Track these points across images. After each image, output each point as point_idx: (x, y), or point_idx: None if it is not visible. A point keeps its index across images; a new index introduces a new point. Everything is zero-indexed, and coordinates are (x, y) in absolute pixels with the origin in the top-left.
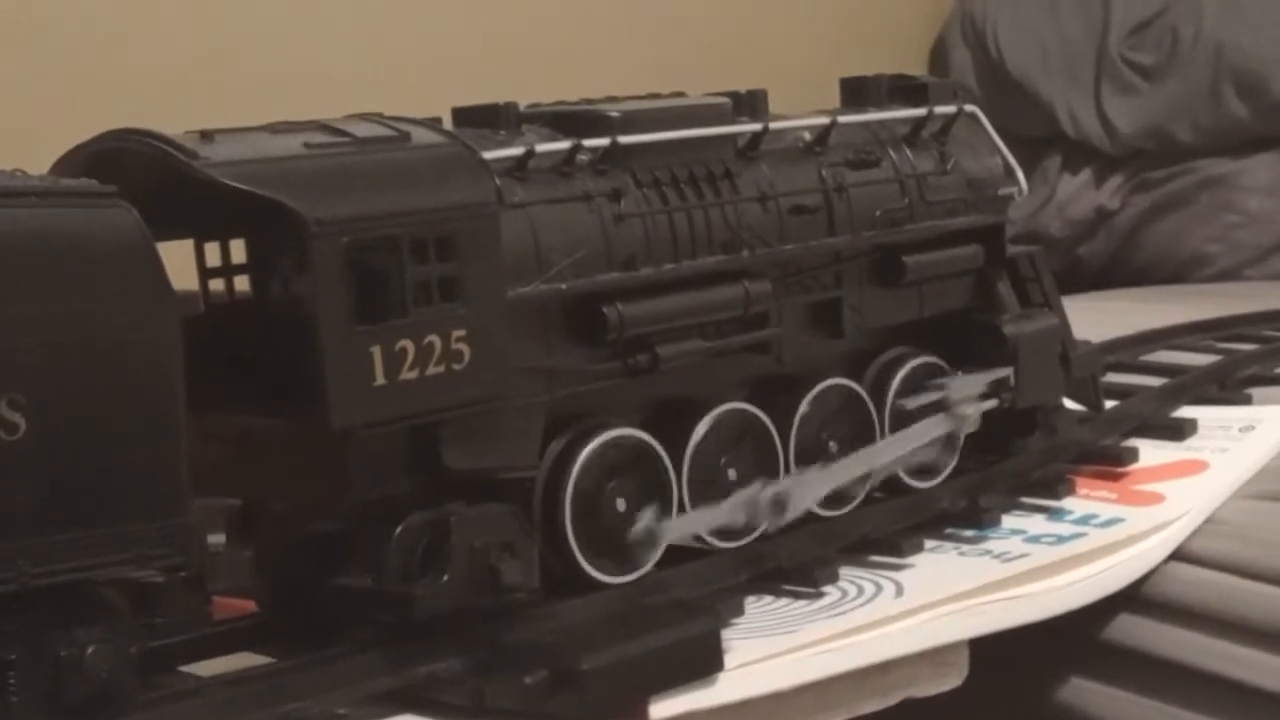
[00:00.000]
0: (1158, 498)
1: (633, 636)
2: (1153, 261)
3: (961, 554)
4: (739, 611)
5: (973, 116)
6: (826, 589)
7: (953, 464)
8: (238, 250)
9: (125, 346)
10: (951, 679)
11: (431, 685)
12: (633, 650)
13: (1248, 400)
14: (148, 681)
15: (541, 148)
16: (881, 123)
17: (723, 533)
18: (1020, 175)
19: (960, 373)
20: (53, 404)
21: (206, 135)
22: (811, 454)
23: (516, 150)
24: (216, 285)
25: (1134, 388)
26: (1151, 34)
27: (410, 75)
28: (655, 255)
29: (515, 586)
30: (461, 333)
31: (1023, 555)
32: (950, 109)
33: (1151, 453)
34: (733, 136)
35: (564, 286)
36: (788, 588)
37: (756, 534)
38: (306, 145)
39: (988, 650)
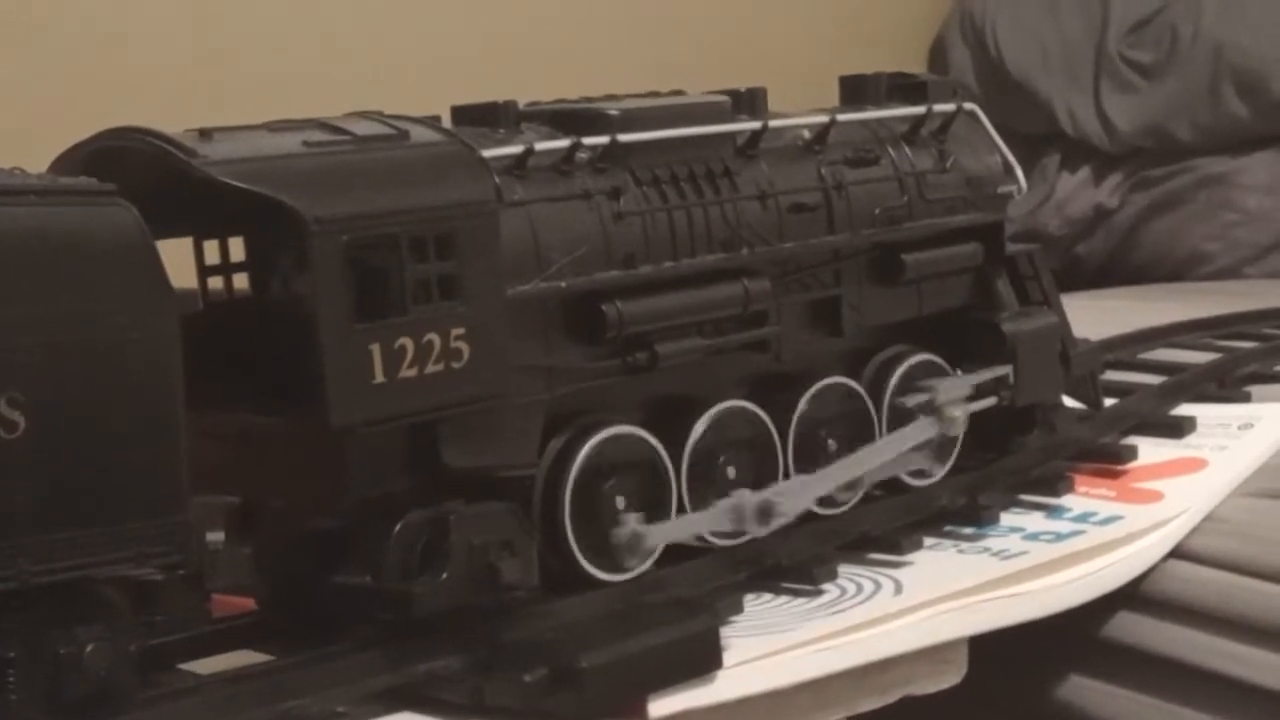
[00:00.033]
0: (1157, 495)
1: (632, 634)
2: (1152, 260)
3: (960, 552)
4: (738, 609)
5: (972, 114)
6: (825, 587)
7: (948, 465)
8: (237, 248)
9: (124, 345)
10: (950, 677)
11: (431, 683)
12: (632, 648)
13: (1247, 398)
14: (147, 679)
15: (541, 146)
16: (880, 121)
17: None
18: (1019, 173)
19: (959, 371)
20: (52, 402)
21: (205, 133)
22: (810, 452)
23: (516, 148)
24: (215, 283)
25: (1133, 386)
26: (1151, 32)
27: (410, 75)
28: (654, 253)
29: (514, 584)
30: (461, 331)
31: (1022, 553)
32: (949, 107)
33: (1150, 450)
34: (732, 135)
35: (563, 285)
36: (787, 586)
37: (765, 534)
38: (306, 143)
39: (987, 648)
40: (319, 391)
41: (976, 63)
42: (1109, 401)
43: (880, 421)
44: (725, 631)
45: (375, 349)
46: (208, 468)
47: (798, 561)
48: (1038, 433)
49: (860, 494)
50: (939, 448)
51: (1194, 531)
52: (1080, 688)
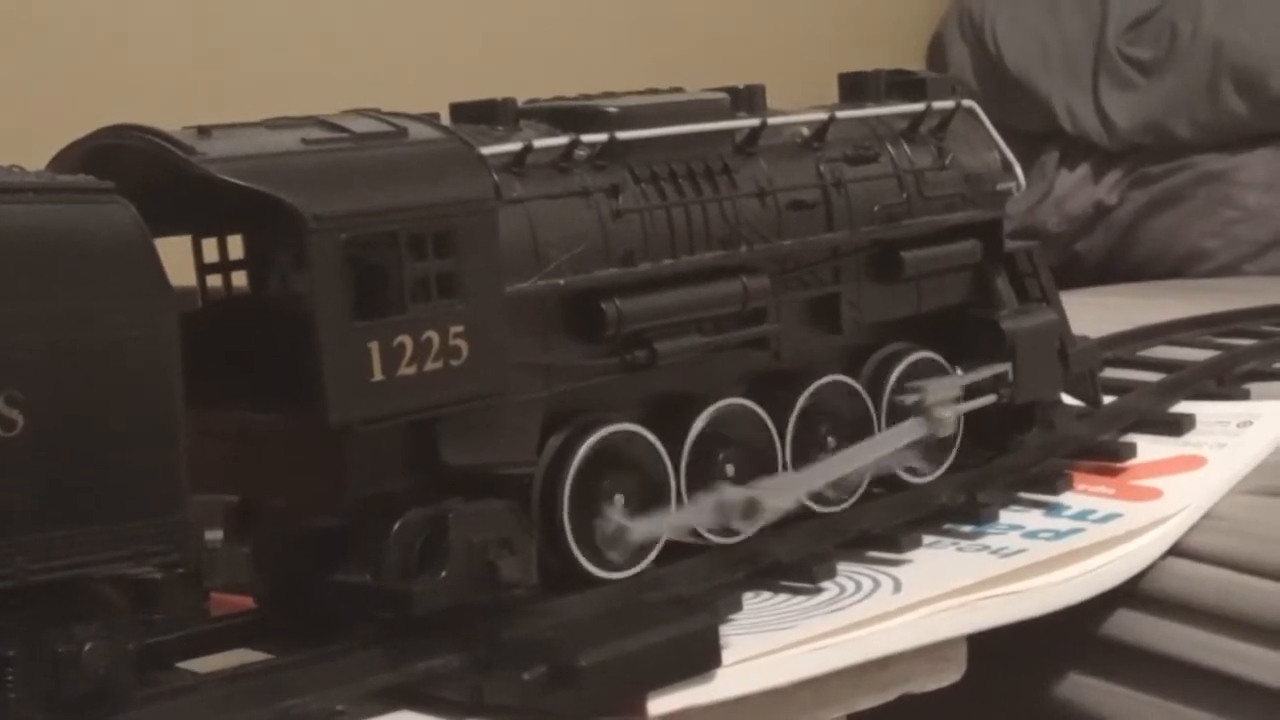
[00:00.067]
0: (1156, 493)
1: (631, 633)
2: (1151, 257)
3: (959, 549)
4: (737, 608)
5: (971, 112)
6: (824, 585)
7: (945, 464)
8: (235, 246)
9: (123, 343)
10: (950, 674)
11: (430, 681)
12: (631, 646)
13: (1246, 395)
14: (145, 678)
15: (539, 143)
16: (879, 118)
17: (721, 529)
18: (1018, 170)
19: (958, 368)
20: (50, 400)
21: (204, 131)
22: (809, 449)
23: (514, 146)
24: (214, 281)
25: (1132, 383)
26: (1150, 29)
27: (409, 75)
28: (653, 251)
29: (513, 583)
30: (459, 329)
31: (1020, 551)
32: (948, 104)
33: (1149, 448)
34: (731, 132)
35: (562, 282)
36: (786, 584)
37: (753, 532)
38: (304, 141)
39: (986, 646)
40: (318, 389)
41: (975, 60)
42: (1108, 399)
43: (879, 419)
44: (724, 630)
45: (374, 347)
46: (206, 466)
47: (797, 559)
48: (1037, 430)
49: (858, 495)
50: (932, 447)
51: (1193, 529)
52: (1079, 685)
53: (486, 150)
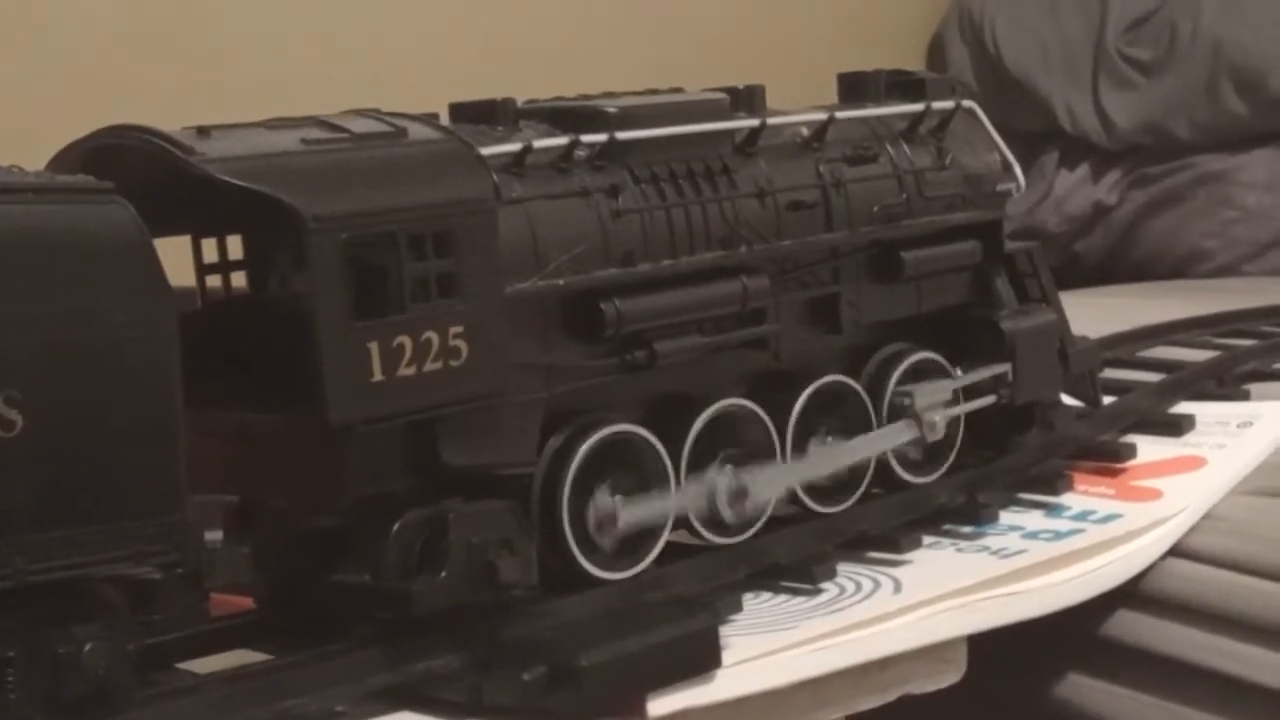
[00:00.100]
0: (1156, 494)
1: (631, 633)
2: (1151, 257)
3: (959, 550)
4: (737, 608)
5: (970, 112)
6: (824, 585)
7: (945, 465)
8: (235, 246)
9: (122, 343)
10: (950, 675)
11: (429, 682)
12: (631, 647)
13: (1246, 396)
14: (145, 678)
15: (539, 143)
16: (879, 118)
17: (720, 528)
18: (1018, 171)
19: (959, 369)
20: (49, 401)
21: (203, 131)
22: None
23: (514, 146)
24: (214, 281)
25: (1132, 383)
26: (1149, 29)
27: (409, 75)
28: (653, 251)
29: (513, 583)
30: (459, 329)
31: (1020, 551)
32: (948, 104)
33: (1149, 448)
34: (730, 132)
35: (562, 283)
36: (786, 584)
37: (753, 531)
38: (304, 141)
39: (986, 647)
40: (317, 389)
41: (975, 60)
42: (1108, 399)
43: (879, 419)
44: (724, 630)
45: (373, 347)
46: (206, 466)
47: (797, 560)
48: (1036, 431)
49: (857, 495)
50: (932, 448)
51: (1193, 530)
52: (1079, 686)
53: (486, 150)
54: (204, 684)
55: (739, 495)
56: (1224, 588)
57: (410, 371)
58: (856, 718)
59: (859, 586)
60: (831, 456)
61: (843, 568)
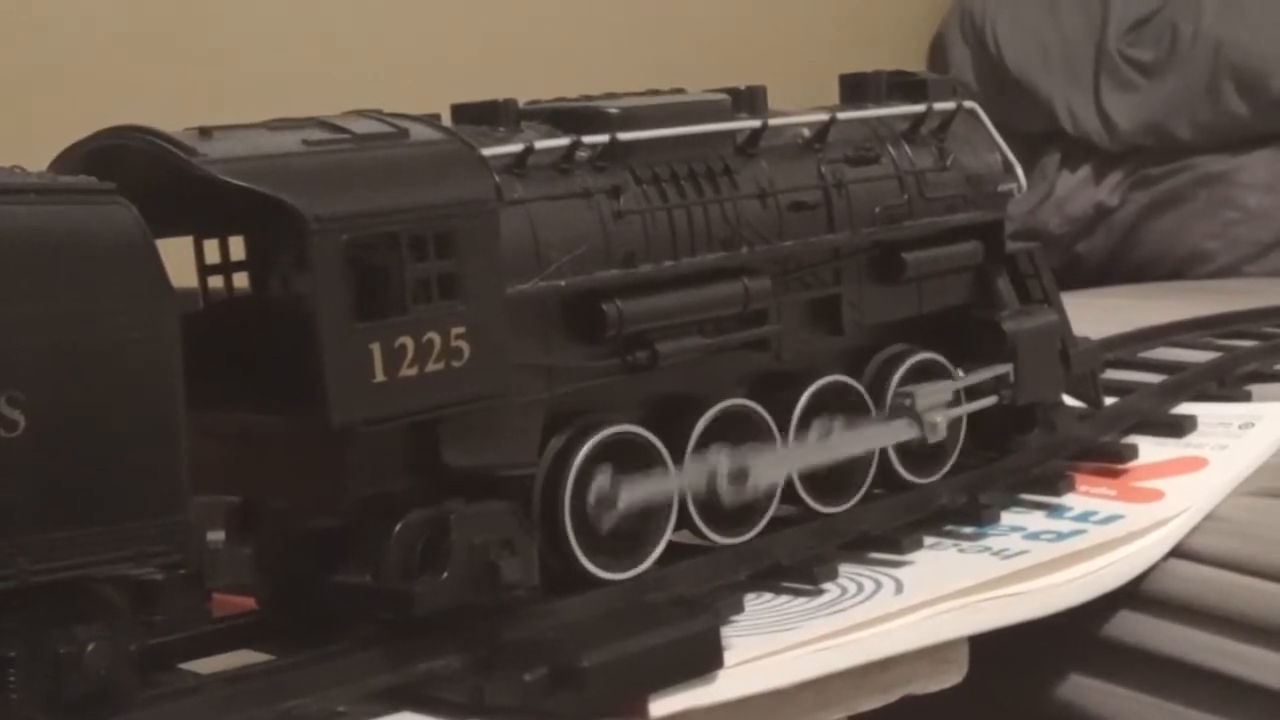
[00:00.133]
0: (1157, 494)
1: (632, 634)
2: (1152, 258)
3: (961, 551)
4: (739, 609)
5: (972, 113)
6: (826, 586)
7: (948, 464)
8: (237, 247)
9: (124, 344)
10: (951, 676)
11: (431, 682)
12: (632, 647)
13: (1247, 397)
14: (147, 679)
15: (541, 144)
16: (881, 119)
17: (722, 527)
18: (1019, 171)
19: (960, 369)
20: (52, 401)
21: (205, 132)
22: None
23: (516, 147)
24: (216, 282)
25: (1133, 384)
26: (1151, 30)
27: (410, 75)
28: (654, 252)
29: (515, 584)
30: (461, 330)
31: (1022, 552)
32: (949, 105)
33: (1151, 449)
34: (732, 133)
35: (563, 283)
36: (787, 585)
37: (755, 532)
38: (305, 142)
39: (987, 647)
40: (319, 390)
41: (976, 61)
42: (1109, 400)
43: None
44: (726, 631)
45: (375, 348)
46: (208, 467)
47: (798, 561)
48: (1038, 432)
49: (859, 495)
50: (933, 449)
51: (1195, 530)
52: (1081, 687)
53: (488, 151)
54: (206, 684)
55: (740, 476)
56: (1225, 588)
57: (412, 372)
58: (858, 718)
59: (860, 587)
60: (832, 446)
61: (844, 568)
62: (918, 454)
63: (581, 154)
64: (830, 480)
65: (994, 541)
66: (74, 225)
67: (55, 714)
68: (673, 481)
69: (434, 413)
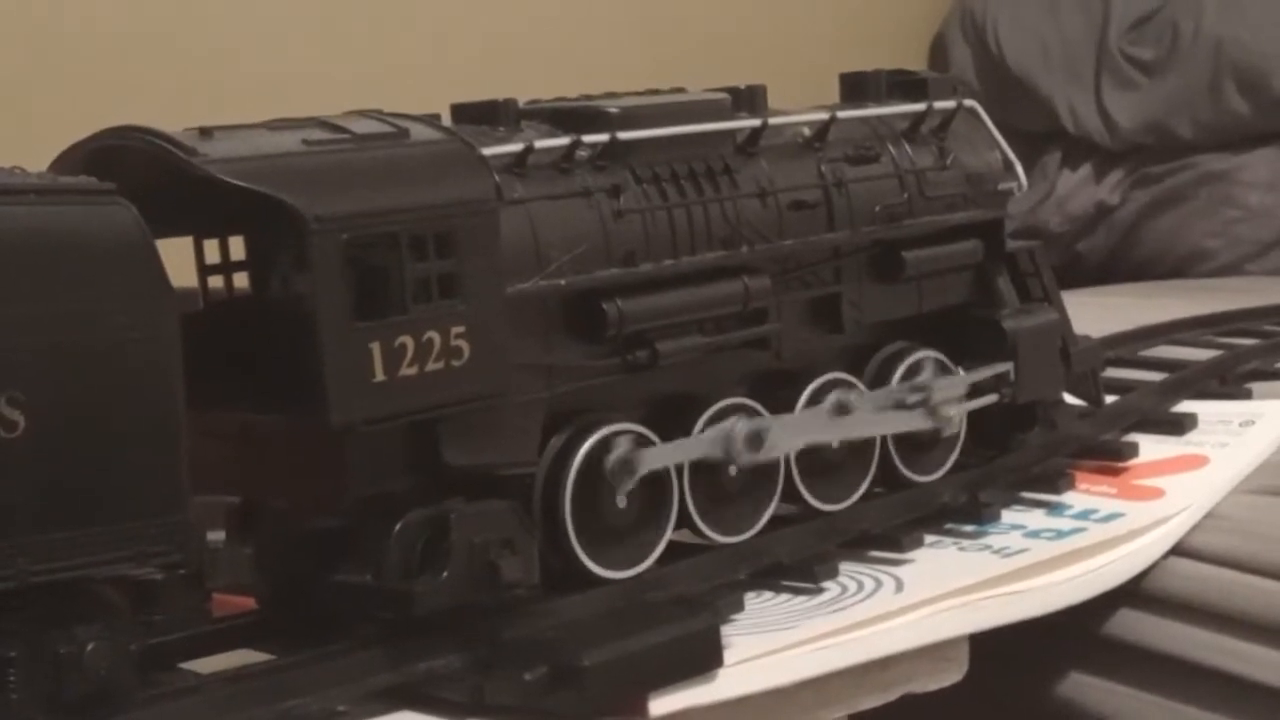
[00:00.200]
0: (1158, 493)
1: (633, 632)
2: (1153, 256)
3: (961, 549)
4: (739, 608)
5: (972, 111)
6: (826, 585)
7: (949, 462)
8: (237, 247)
9: (124, 344)
10: (951, 674)
11: (431, 682)
12: (633, 646)
13: (1248, 395)
14: (147, 679)
15: (541, 144)
16: (881, 118)
17: (723, 527)
18: (1020, 170)
19: (961, 368)
20: (52, 402)
21: (205, 132)
22: (811, 448)
23: (515, 146)
24: (216, 282)
25: (1134, 383)
26: (1151, 29)
27: (410, 75)
28: (654, 251)
29: (515, 583)
30: (461, 329)
31: (1022, 550)
32: (949, 104)
33: (1152, 448)
34: (732, 132)
35: (563, 283)
36: (787, 584)
37: (755, 530)
38: (305, 142)
39: (988, 646)
40: (319, 390)
41: (977, 60)
42: (1110, 398)
43: None
44: (726, 629)
45: (375, 347)
46: (208, 467)
47: (798, 559)
48: (1039, 430)
49: (859, 494)
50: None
51: (1195, 528)
52: (1081, 685)
53: (488, 151)
54: (206, 684)
55: (755, 440)
56: (1226, 586)
57: (412, 372)
58: (858, 717)
59: (861, 585)
60: (847, 424)
61: (844, 567)
62: (918, 452)
63: (581, 153)
64: (830, 478)
65: (994, 540)
66: (74, 225)
67: (55, 714)
68: (691, 448)
69: (434, 412)
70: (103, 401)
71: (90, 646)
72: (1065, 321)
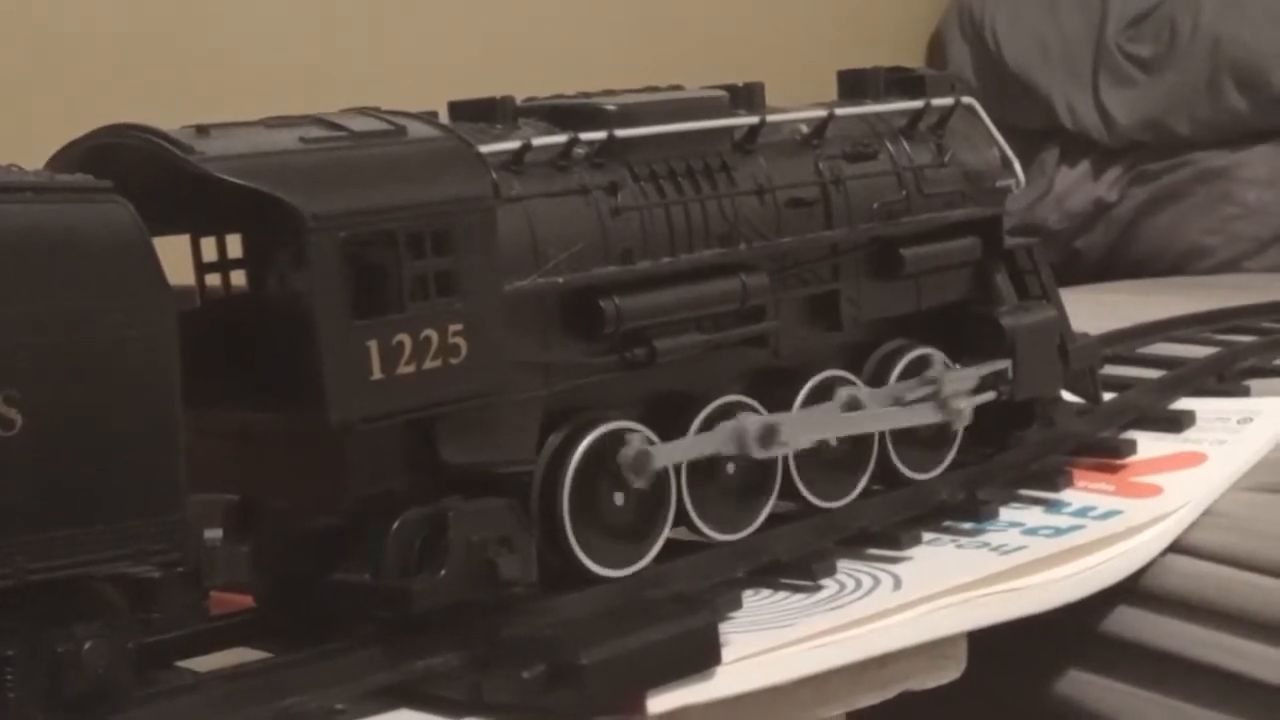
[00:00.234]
0: (1156, 490)
1: (631, 631)
2: (1151, 254)
3: (959, 547)
4: (737, 605)
5: (970, 109)
6: (824, 582)
7: (947, 460)
8: (234, 245)
9: (122, 342)
10: (950, 672)
11: (429, 680)
12: (631, 644)
13: (1246, 392)
14: (145, 677)
15: (538, 141)
16: (879, 115)
17: (722, 525)
18: (1018, 167)
19: (958, 365)
20: (49, 400)
21: (202, 130)
22: (810, 447)
23: (513, 144)
24: (213, 280)
25: (1132, 380)
26: (1150, 26)
27: (409, 75)
28: (652, 249)
29: (513, 581)
30: (458, 327)
31: (1021, 548)
32: (947, 101)
33: (1150, 445)
34: (730, 129)
35: (561, 280)
36: (785, 581)
37: (753, 528)
38: (302, 140)
39: (986, 643)
40: (317, 388)
41: (975, 57)
42: (1108, 396)
43: None
44: (724, 627)
45: (373, 345)
46: (206, 465)
47: (797, 557)
48: (1037, 427)
49: (857, 491)
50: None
51: (1193, 526)
52: (1079, 682)
53: (485, 148)
54: (204, 682)
55: (769, 435)
56: (1224, 583)
57: (409, 370)
58: (857, 714)
59: (859, 583)
60: (859, 419)
61: (843, 564)
62: (916, 450)
63: (579, 151)
64: (829, 476)
65: (992, 537)
66: (71, 223)
67: (53, 712)
68: (704, 444)
69: (432, 410)
70: (100, 399)
71: (88, 645)
72: (1063, 319)
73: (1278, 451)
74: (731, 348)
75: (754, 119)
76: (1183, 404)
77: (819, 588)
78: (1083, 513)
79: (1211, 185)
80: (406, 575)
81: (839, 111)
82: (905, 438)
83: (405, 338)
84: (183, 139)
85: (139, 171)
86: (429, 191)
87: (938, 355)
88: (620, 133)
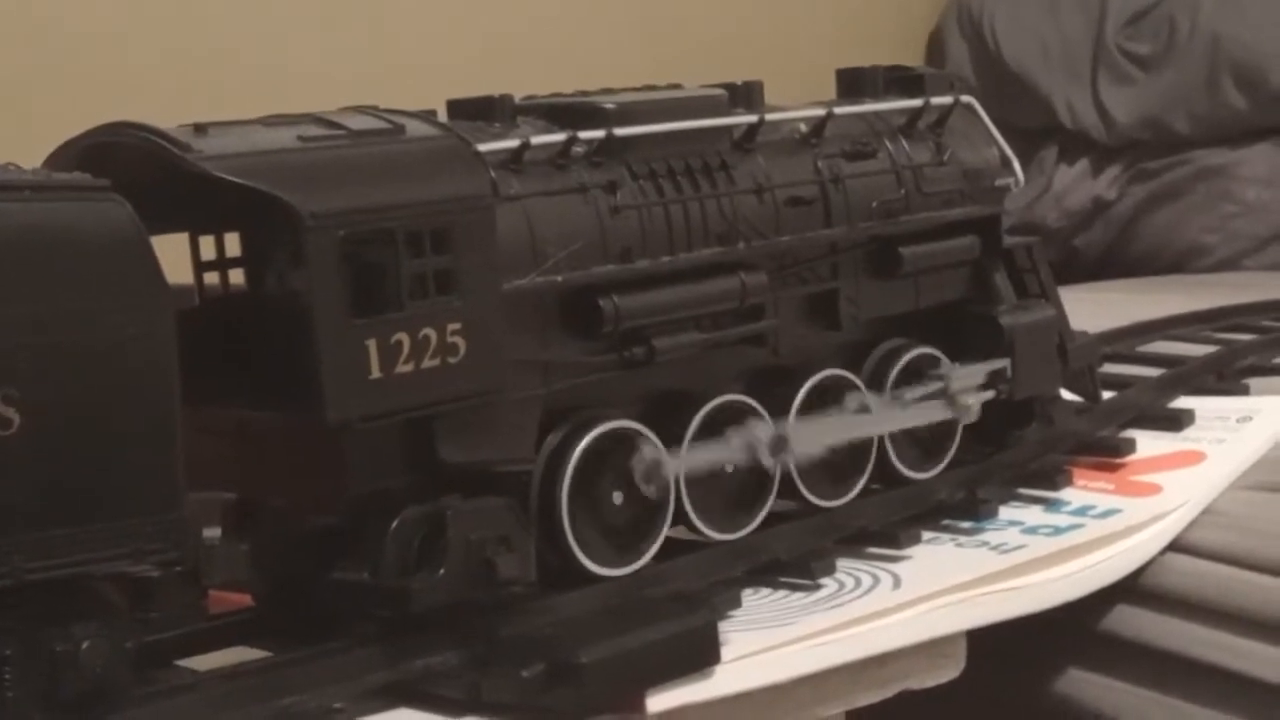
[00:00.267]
0: (1155, 488)
1: (630, 629)
2: (1150, 252)
3: (959, 545)
4: (736, 604)
5: (969, 107)
6: (824, 581)
7: (946, 459)
8: (232, 244)
9: (120, 341)
10: (949, 671)
11: (428, 679)
12: (630, 643)
13: (1245, 391)
14: (143, 676)
15: (537, 140)
16: (878, 114)
17: (721, 524)
18: (1017, 166)
19: (959, 364)
20: (47, 399)
21: (200, 128)
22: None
23: (512, 142)
24: (211, 279)
25: (1131, 378)
26: (1149, 24)
27: (409, 74)
28: (651, 247)
29: (512, 580)
30: (457, 326)
31: (1020, 546)
32: (946, 100)
33: (1149, 443)
34: (729, 128)
35: (560, 279)
36: (785, 580)
37: (753, 527)
38: (301, 138)
39: (985, 642)
40: (315, 387)
41: (974, 56)
42: (1107, 394)
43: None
44: (723, 626)
45: (371, 344)
46: (204, 464)
47: (796, 556)
48: (1036, 426)
49: (857, 490)
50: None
51: (1192, 524)
52: (1079, 681)
53: (484, 147)
54: (202, 681)
55: (779, 444)
56: (1223, 582)
57: (408, 368)
58: (856, 713)
59: (858, 582)
60: (870, 421)
61: (842, 563)
62: (916, 449)
63: (578, 149)
64: (828, 475)
65: (991, 536)
66: (69, 222)
67: (52, 712)
68: (716, 453)
69: (430, 409)
70: (98, 398)
71: (86, 644)
72: (1062, 317)
73: (1277, 450)
74: (730, 346)
75: (753, 118)
76: (1182, 402)
77: (818, 587)
78: (1082, 511)
79: (1210, 183)
80: (405, 574)
81: (838, 110)
82: (905, 437)
83: (404, 336)
84: (181, 137)
85: (137, 170)
86: (427, 190)
87: (938, 354)
88: (619, 131)
